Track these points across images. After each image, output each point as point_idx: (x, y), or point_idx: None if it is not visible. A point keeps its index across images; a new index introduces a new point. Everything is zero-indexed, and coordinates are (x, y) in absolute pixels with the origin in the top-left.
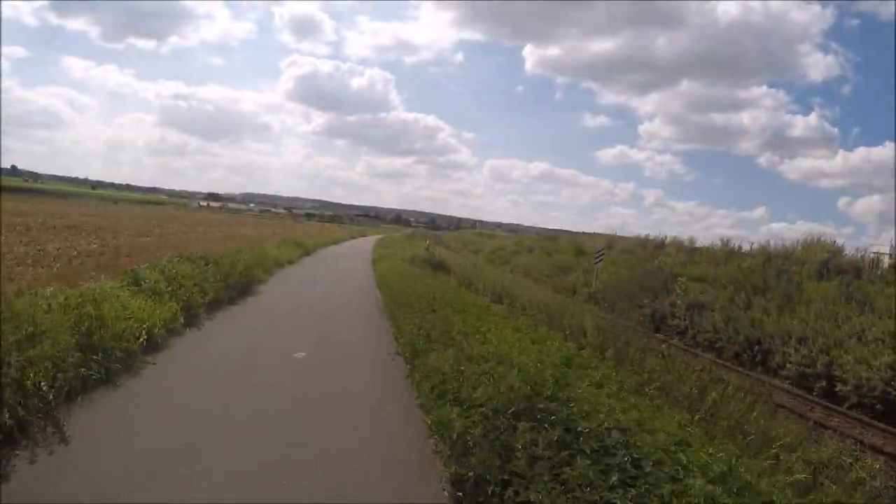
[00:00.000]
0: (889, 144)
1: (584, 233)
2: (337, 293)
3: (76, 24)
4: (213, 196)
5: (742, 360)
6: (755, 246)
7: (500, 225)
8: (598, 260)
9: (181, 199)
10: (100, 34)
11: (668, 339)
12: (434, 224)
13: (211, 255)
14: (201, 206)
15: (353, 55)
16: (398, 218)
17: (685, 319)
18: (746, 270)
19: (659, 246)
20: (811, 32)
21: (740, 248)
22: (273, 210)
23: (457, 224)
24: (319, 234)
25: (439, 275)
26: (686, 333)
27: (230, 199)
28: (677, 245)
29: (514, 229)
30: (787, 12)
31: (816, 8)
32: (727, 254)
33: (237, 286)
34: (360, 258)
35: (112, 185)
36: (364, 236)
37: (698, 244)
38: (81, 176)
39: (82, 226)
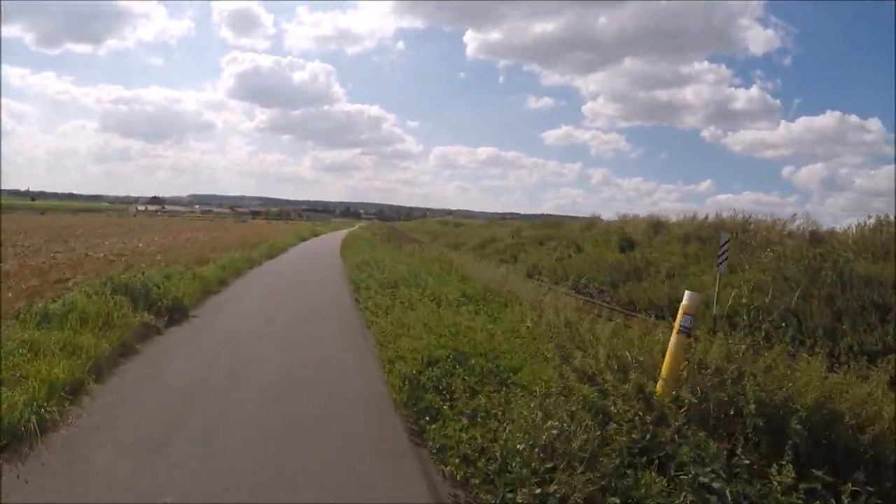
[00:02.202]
0: (830, 113)
1: (596, 216)
2: None
3: (10, 30)
4: (155, 200)
5: None
6: None
7: (449, 212)
8: (721, 259)
9: (123, 205)
10: (35, 40)
11: None
12: (384, 215)
13: None
14: (139, 212)
15: (293, 48)
16: (347, 211)
17: None
18: None
19: (814, 235)
20: (751, 6)
21: None
22: (215, 210)
23: (407, 213)
24: (251, 237)
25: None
26: None
27: (176, 201)
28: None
29: (465, 215)
30: None
31: None
32: None
33: None
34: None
35: (55, 196)
36: (317, 235)
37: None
38: (23, 188)
39: None
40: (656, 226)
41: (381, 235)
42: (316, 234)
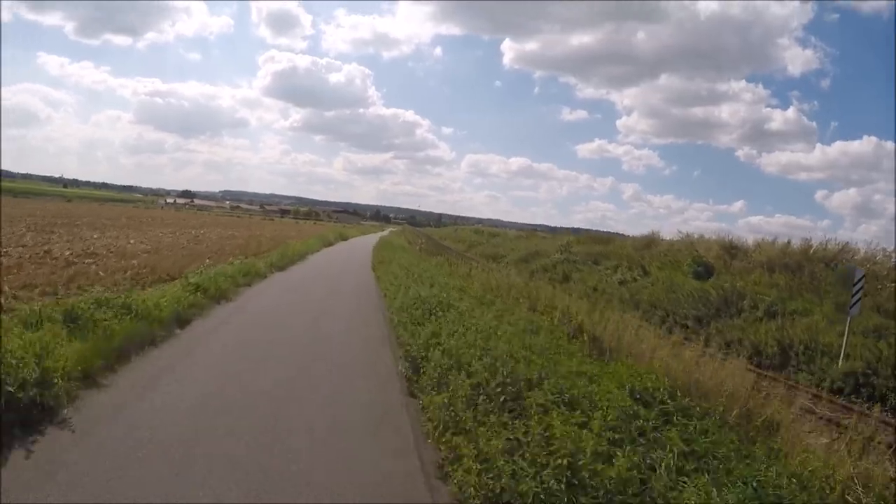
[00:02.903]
0: (866, 138)
1: (631, 234)
2: None
3: (51, 19)
4: (187, 193)
5: None
6: None
7: (479, 220)
8: (855, 301)
9: (154, 197)
10: (74, 29)
11: None
12: (414, 220)
13: None
14: (167, 204)
15: (331, 50)
16: (377, 214)
17: None
18: None
19: None
20: (791, 26)
21: None
22: (244, 207)
23: (437, 220)
24: (267, 240)
25: None
26: None
27: (208, 196)
28: None
29: (494, 224)
30: (767, 6)
31: (796, 2)
32: None
33: None
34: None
35: (88, 184)
36: (345, 239)
37: None
38: (57, 174)
39: None
40: (729, 249)
41: (419, 245)
42: (344, 238)
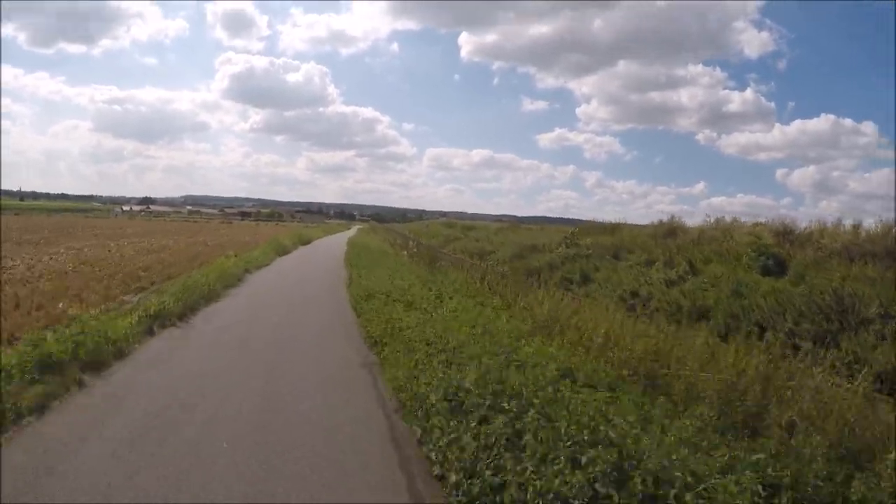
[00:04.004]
0: (824, 116)
1: (584, 220)
2: None
3: (4, 29)
4: (147, 200)
5: None
6: None
7: (443, 214)
8: None
9: (110, 206)
10: (28, 39)
11: None
12: (379, 217)
13: None
14: (123, 212)
15: (288, 49)
16: (341, 212)
17: None
18: None
19: None
20: (747, 10)
21: None
22: (204, 211)
23: (402, 216)
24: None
25: None
26: None
27: (169, 202)
28: None
29: (459, 217)
30: None
31: None
32: None
33: None
34: None
35: (46, 196)
36: (307, 243)
37: None
38: (15, 188)
39: None
40: (784, 235)
41: (407, 251)
42: (305, 242)
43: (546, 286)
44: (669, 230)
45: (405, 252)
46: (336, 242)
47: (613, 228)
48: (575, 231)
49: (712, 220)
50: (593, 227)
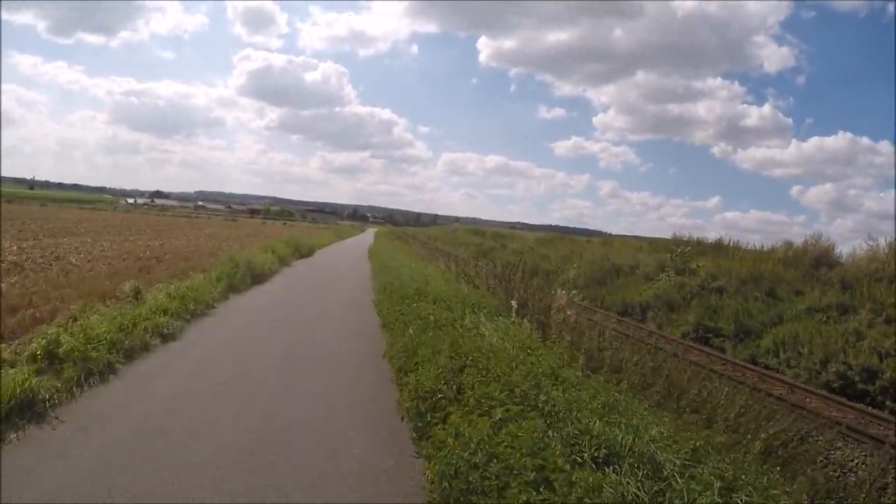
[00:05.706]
0: (841, 134)
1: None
2: None
3: (23, 18)
4: (158, 194)
5: None
6: None
7: (457, 218)
8: None
9: (116, 198)
10: (47, 28)
11: None
12: (393, 219)
13: None
14: (129, 205)
15: (306, 48)
16: (354, 213)
17: None
18: None
19: None
20: (767, 24)
21: None
22: (210, 207)
23: (415, 219)
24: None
25: None
26: None
27: (182, 197)
28: None
29: (472, 223)
30: (745, 4)
31: (773, 0)
32: None
33: None
34: None
35: (59, 186)
36: (306, 255)
37: None
38: (29, 176)
39: None
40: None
41: (461, 275)
42: (305, 255)
43: (678, 348)
44: (816, 258)
45: (490, 293)
46: (353, 254)
47: (717, 247)
48: (684, 251)
49: (873, 244)
50: (695, 247)
